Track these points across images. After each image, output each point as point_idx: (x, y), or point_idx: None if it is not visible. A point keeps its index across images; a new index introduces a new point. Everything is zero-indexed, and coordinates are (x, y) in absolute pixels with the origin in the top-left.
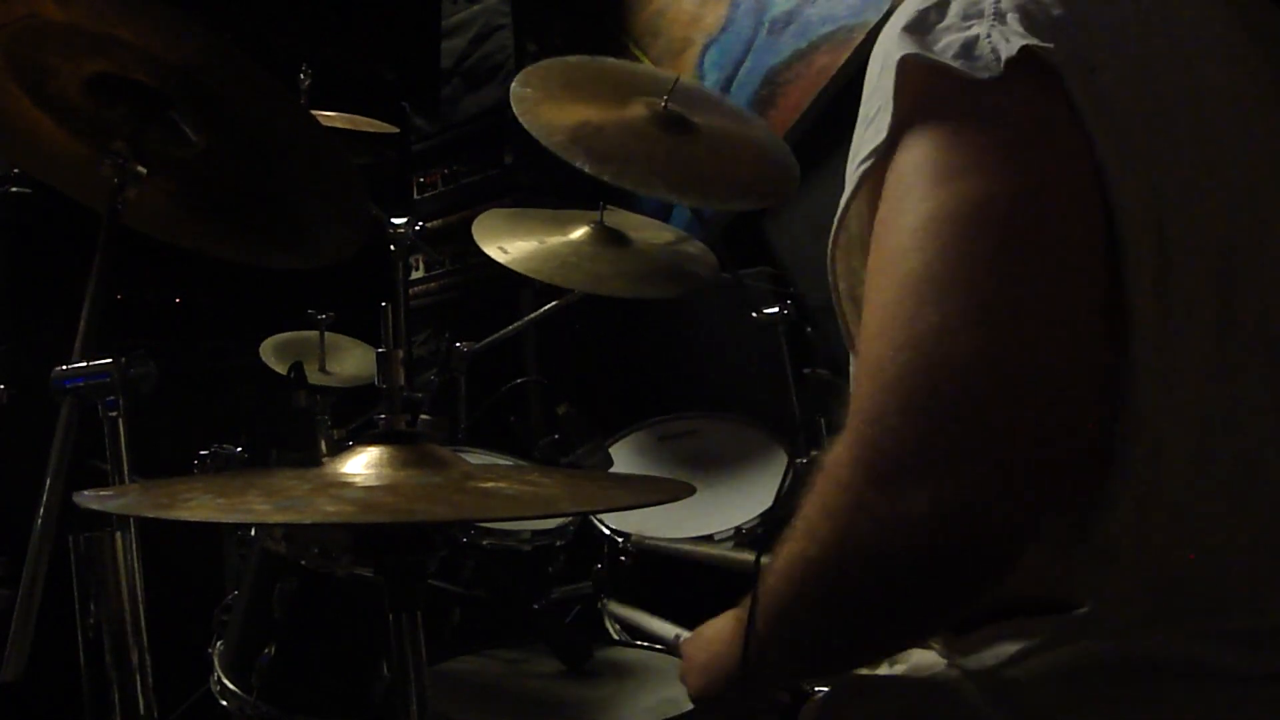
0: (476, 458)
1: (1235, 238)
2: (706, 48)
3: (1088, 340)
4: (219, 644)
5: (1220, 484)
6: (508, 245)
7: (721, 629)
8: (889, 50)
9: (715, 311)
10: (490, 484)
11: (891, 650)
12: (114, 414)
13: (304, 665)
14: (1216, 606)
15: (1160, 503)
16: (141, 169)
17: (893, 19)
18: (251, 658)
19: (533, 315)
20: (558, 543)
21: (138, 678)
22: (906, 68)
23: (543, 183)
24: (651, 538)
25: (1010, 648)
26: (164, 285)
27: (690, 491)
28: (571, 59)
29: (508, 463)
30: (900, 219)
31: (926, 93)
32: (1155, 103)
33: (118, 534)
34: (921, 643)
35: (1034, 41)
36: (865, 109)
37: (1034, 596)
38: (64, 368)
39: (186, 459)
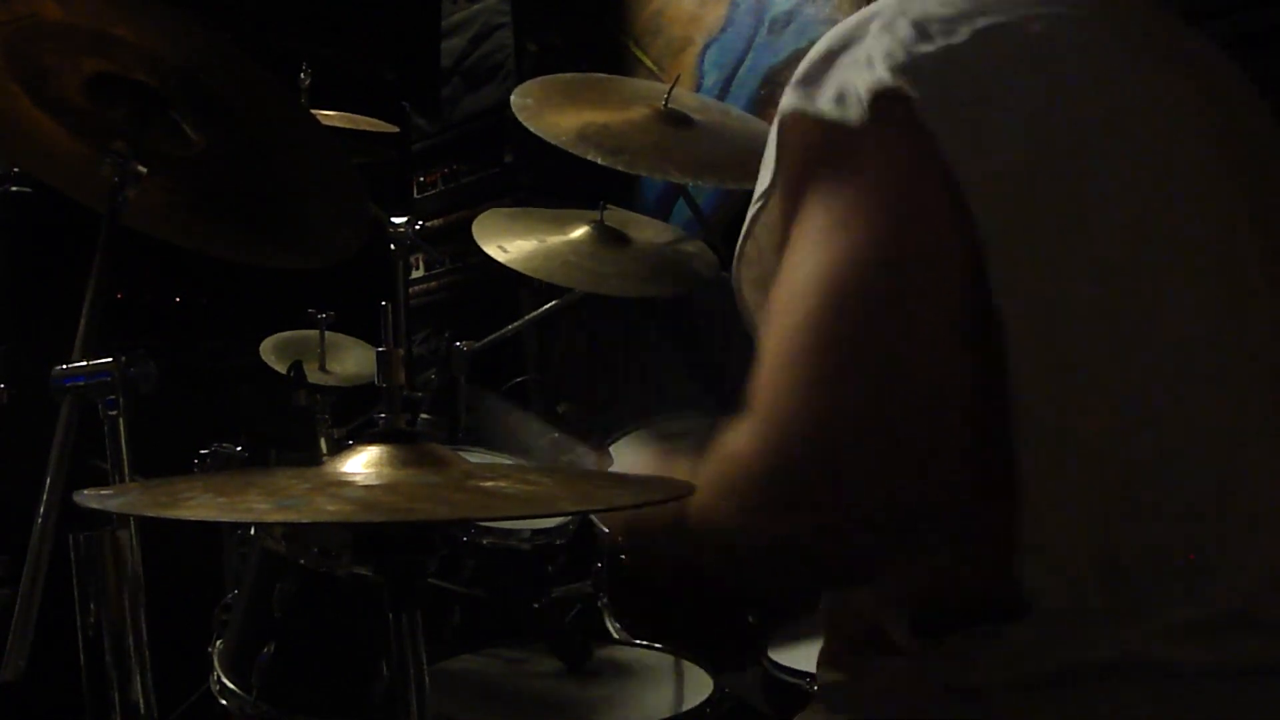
0: (477, 457)
1: (1132, 253)
2: (706, 47)
3: (945, 384)
4: (219, 643)
5: (1137, 478)
6: (507, 244)
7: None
8: (780, 104)
9: (715, 311)
10: (490, 483)
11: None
12: (114, 413)
13: (304, 665)
14: (1159, 599)
15: (1074, 499)
16: (141, 168)
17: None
18: (251, 657)
19: (533, 315)
20: (558, 542)
21: (138, 678)
22: (788, 122)
23: (543, 182)
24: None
25: (974, 654)
26: (164, 285)
27: (690, 491)
28: (567, 75)
29: (508, 462)
30: (790, 275)
31: (809, 146)
32: (1033, 133)
33: (118, 533)
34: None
35: (891, 83)
36: (765, 157)
37: (994, 598)
38: (64, 367)
39: (186, 458)
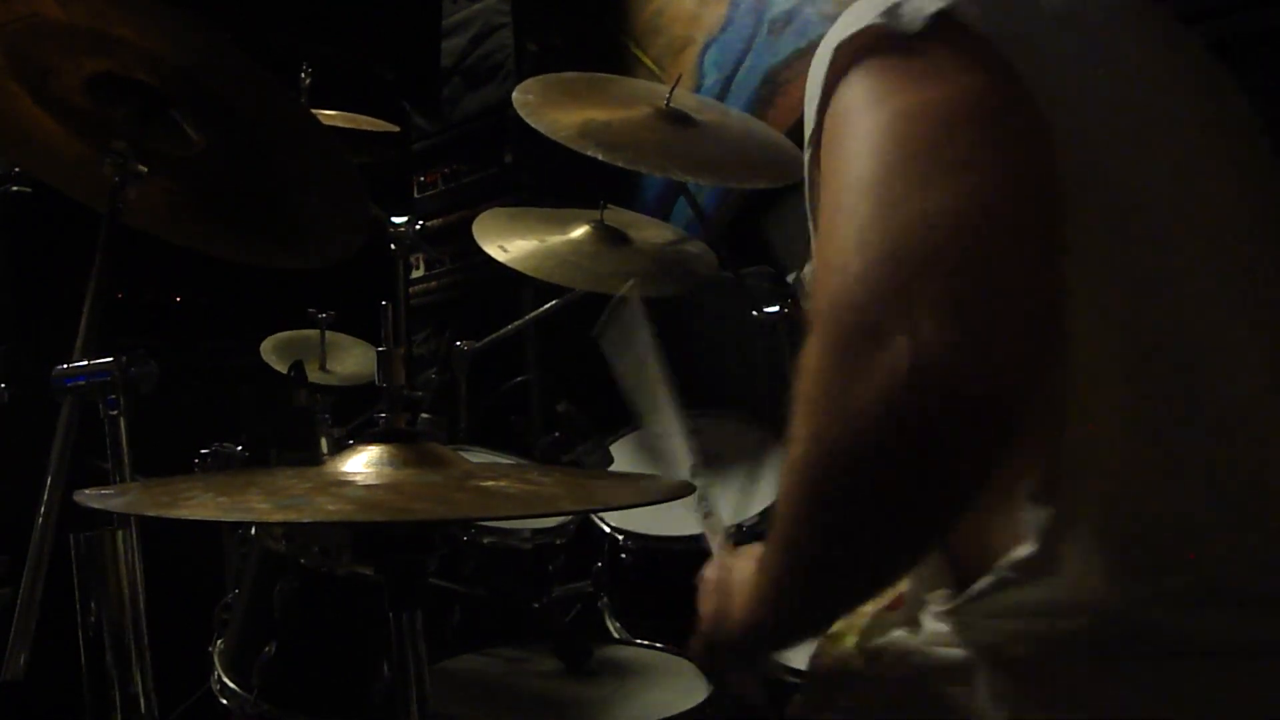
0: (477, 456)
1: (1169, 201)
2: (706, 47)
3: (1028, 230)
4: (219, 642)
5: (1158, 440)
6: (508, 244)
7: (745, 576)
8: (821, 54)
9: (715, 311)
10: (490, 482)
11: (891, 568)
12: (115, 413)
13: (304, 664)
14: (1171, 569)
15: (1099, 454)
16: (142, 168)
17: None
18: (252, 656)
19: (533, 314)
20: (558, 541)
21: (138, 677)
22: (838, 51)
23: (543, 182)
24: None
25: (981, 620)
26: (164, 285)
27: (690, 491)
28: (569, 74)
29: (508, 461)
30: (844, 143)
31: (856, 51)
32: (1083, 77)
33: (118, 533)
34: (916, 558)
35: (951, 6)
36: (807, 115)
37: (1010, 568)
38: (64, 367)
39: (187, 458)
